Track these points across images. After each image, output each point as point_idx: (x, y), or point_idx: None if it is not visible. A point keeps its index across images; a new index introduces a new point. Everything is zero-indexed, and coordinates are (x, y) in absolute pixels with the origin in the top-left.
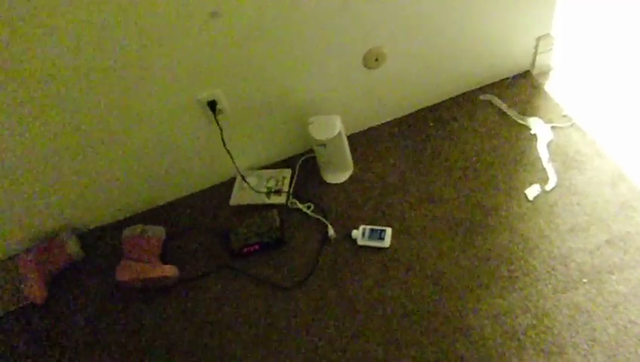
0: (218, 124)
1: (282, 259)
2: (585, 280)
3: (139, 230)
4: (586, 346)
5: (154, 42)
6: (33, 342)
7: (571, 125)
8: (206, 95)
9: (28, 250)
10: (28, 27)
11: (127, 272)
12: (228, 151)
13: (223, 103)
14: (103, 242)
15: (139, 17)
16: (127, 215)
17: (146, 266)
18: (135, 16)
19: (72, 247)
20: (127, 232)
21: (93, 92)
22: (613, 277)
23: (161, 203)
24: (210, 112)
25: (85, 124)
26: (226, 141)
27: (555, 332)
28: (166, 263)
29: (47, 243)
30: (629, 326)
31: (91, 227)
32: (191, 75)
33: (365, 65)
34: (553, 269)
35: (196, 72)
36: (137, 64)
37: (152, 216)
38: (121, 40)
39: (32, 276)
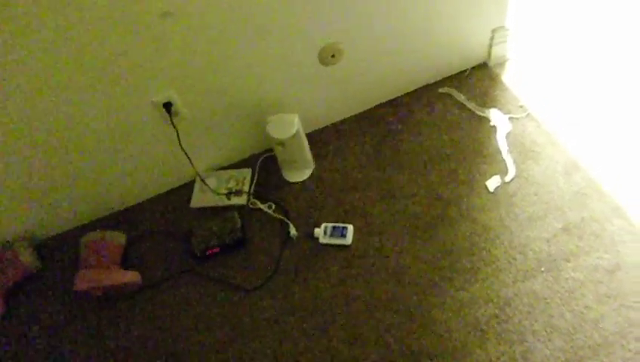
0: (174, 126)
1: (244, 260)
2: (543, 269)
3: (98, 236)
4: (544, 333)
5: (104, 44)
6: None
7: (527, 115)
8: (161, 97)
9: None
10: None
11: (86, 280)
12: (185, 153)
13: (178, 105)
14: (60, 251)
15: (89, 18)
16: (85, 221)
17: (106, 273)
18: (85, 17)
19: (28, 258)
20: (85, 239)
21: (44, 94)
22: (569, 265)
23: (121, 208)
24: (165, 114)
25: (37, 128)
26: (183, 142)
27: (516, 320)
28: (127, 269)
29: (0, 254)
30: (584, 311)
31: (47, 236)
32: (144, 77)
33: (322, 62)
34: (513, 259)
35: (150, 73)
36: (89, 67)
37: (111, 221)
38: (71, 40)
39: None
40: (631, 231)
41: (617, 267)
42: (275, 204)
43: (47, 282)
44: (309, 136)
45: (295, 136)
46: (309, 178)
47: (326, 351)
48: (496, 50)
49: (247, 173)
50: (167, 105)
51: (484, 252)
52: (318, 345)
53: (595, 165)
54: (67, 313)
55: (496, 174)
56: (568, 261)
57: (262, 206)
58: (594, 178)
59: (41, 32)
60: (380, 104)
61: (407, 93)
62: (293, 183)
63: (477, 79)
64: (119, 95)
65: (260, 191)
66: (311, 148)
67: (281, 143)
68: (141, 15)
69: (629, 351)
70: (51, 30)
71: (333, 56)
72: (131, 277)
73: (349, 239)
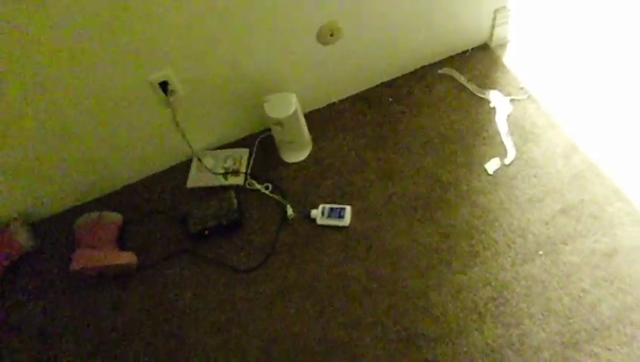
0: (170, 106)
1: (241, 241)
2: (541, 252)
3: (94, 216)
4: (541, 316)
5: (99, 23)
6: None
7: (528, 97)
8: (157, 76)
9: None
10: None
11: (82, 261)
12: (182, 133)
13: (174, 84)
14: (56, 231)
15: None
16: (81, 202)
17: (102, 254)
18: None
19: (24, 238)
20: (81, 220)
21: (37, 74)
22: (567, 248)
23: (117, 188)
24: (162, 93)
25: (31, 108)
26: (180, 122)
27: (513, 303)
28: (124, 250)
29: None
30: (581, 294)
31: (43, 216)
32: (140, 56)
33: (320, 41)
34: (512, 242)
35: (146, 52)
36: (84, 46)
37: (107, 202)
38: (65, 19)
39: None
40: (630, 214)
41: (615, 250)
42: (272, 184)
43: (43, 262)
44: (307, 116)
45: (293, 115)
46: (307, 158)
47: (322, 333)
48: (498, 32)
49: (244, 152)
50: (164, 85)
51: (483, 235)
52: (314, 326)
53: (595, 148)
54: (63, 293)
55: (495, 156)
56: (566, 244)
57: (259, 186)
58: (593, 160)
59: (35, 10)
60: (380, 84)
61: (407, 74)
62: (291, 164)
63: (478, 60)
64: (115, 74)
65: (257, 172)
66: (309, 129)
67: (279, 123)
68: None
69: (625, 335)
70: (45, 8)
71: (331, 35)
72: (127, 257)
73: (346, 220)
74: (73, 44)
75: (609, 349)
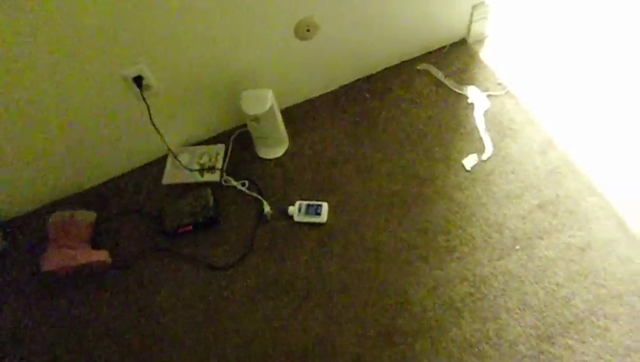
0: (145, 101)
1: (218, 238)
2: (517, 247)
3: (66, 215)
4: (518, 310)
5: (73, 16)
6: None
7: (505, 93)
8: (131, 70)
9: None
10: None
11: (54, 261)
12: (157, 129)
13: (149, 79)
14: (27, 231)
15: None
16: (53, 200)
17: (74, 253)
18: None
19: None
20: (53, 218)
21: (8, 68)
22: (543, 243)
23: (90, 185)
24: (136, 88)
25: (1, 101)
26: (155, 117)
27: (491, 298)
28: (97, 248)
29: None
30: (556, 289)
31: (13, 215)
32: (115, 50)
33: (297, 36)
34: (489, 237)
35: (120, 46)
36: (56, 40)
37: (80, 199)
38: (36, 11)
39: None
40: (604, 208)
41: (589, 245)
42: (249, 181)
43: (12, 263)
44: (284, 112)
45: (269, 111)
46: (284, 155)
47: (301, 330)
48: (476, 27)
49: (220, 149)
50: (138, 80)
51: (461, 230)
52: (292, 323)
53: (571, 144)
54: (34, 294)
55: (473, 152)
56: (542, 239)
57: (235, 183)
58: (569, 156)
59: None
60: (357, 80)
61: (385, 69)
62: (268, 160)
63: (455, 56)
64: (88, 69)
65: (233, 168)
66: (286, 125)
67: (255, 119)
68: None
69: (599, 327)
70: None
71: (308, 30)
72: (100, 256)
73: (323, 217)
74: (45, 36)
75: (583, 342)
